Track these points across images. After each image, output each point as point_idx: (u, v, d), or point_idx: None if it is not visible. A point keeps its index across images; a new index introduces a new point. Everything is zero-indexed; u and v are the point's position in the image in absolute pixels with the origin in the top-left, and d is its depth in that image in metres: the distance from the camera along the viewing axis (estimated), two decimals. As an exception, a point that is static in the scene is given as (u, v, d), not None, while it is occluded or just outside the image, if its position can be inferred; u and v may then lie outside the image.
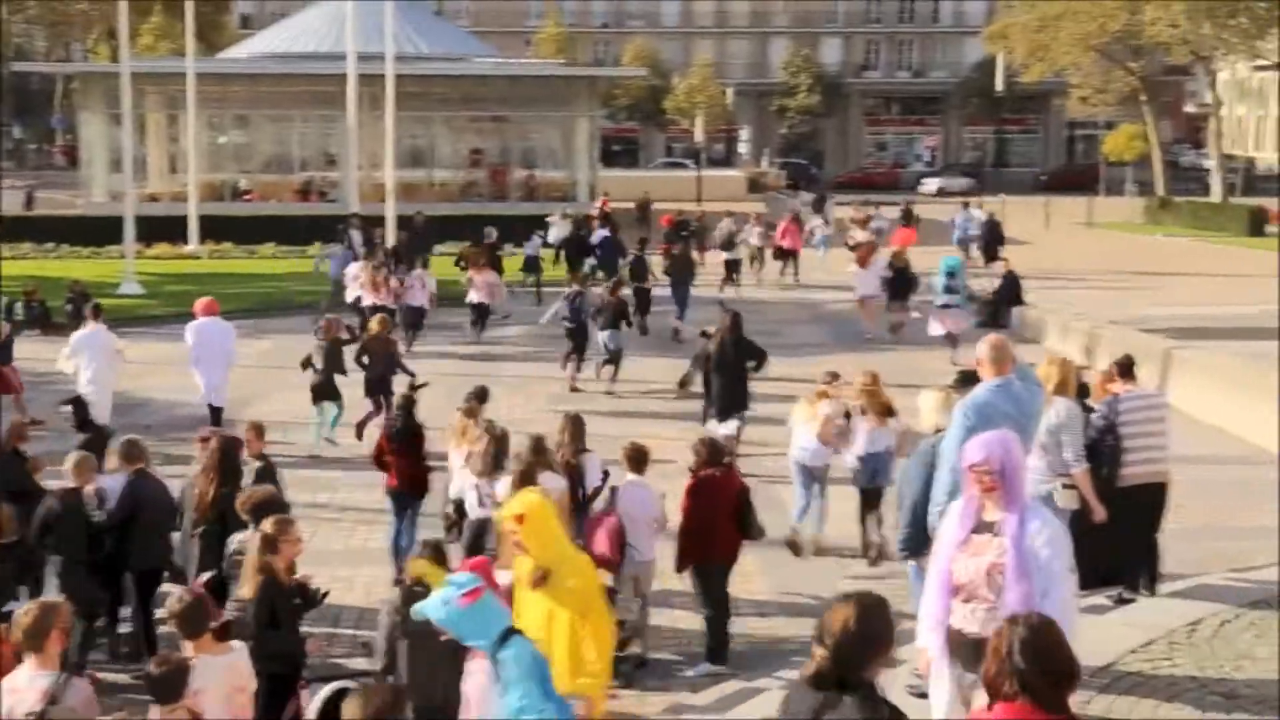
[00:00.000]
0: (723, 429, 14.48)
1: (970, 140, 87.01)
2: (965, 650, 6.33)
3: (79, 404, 11.52)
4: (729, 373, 15.32)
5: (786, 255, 33.30)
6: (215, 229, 38.37)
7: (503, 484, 9.91)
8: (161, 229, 37.52)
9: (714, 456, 10.01)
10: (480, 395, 12.08)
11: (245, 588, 7.85)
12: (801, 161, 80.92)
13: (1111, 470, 10.10)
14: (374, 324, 17.79)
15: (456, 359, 22.60)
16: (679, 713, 9.09)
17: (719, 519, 9.78)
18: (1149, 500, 10.30)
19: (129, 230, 31.34)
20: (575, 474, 10.34)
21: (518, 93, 46.11)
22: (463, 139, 49.44)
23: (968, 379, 9.27)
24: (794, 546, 12.12)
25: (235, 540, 8.80)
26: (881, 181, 72.62)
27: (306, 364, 16.85)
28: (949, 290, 22.48)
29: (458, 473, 11.14)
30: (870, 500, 12.25)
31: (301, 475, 14.19)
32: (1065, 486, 9.87)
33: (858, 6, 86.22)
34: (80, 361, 16.15)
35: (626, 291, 22.39)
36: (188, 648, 6.76)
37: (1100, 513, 9.77)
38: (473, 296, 24.62)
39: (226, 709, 6.69)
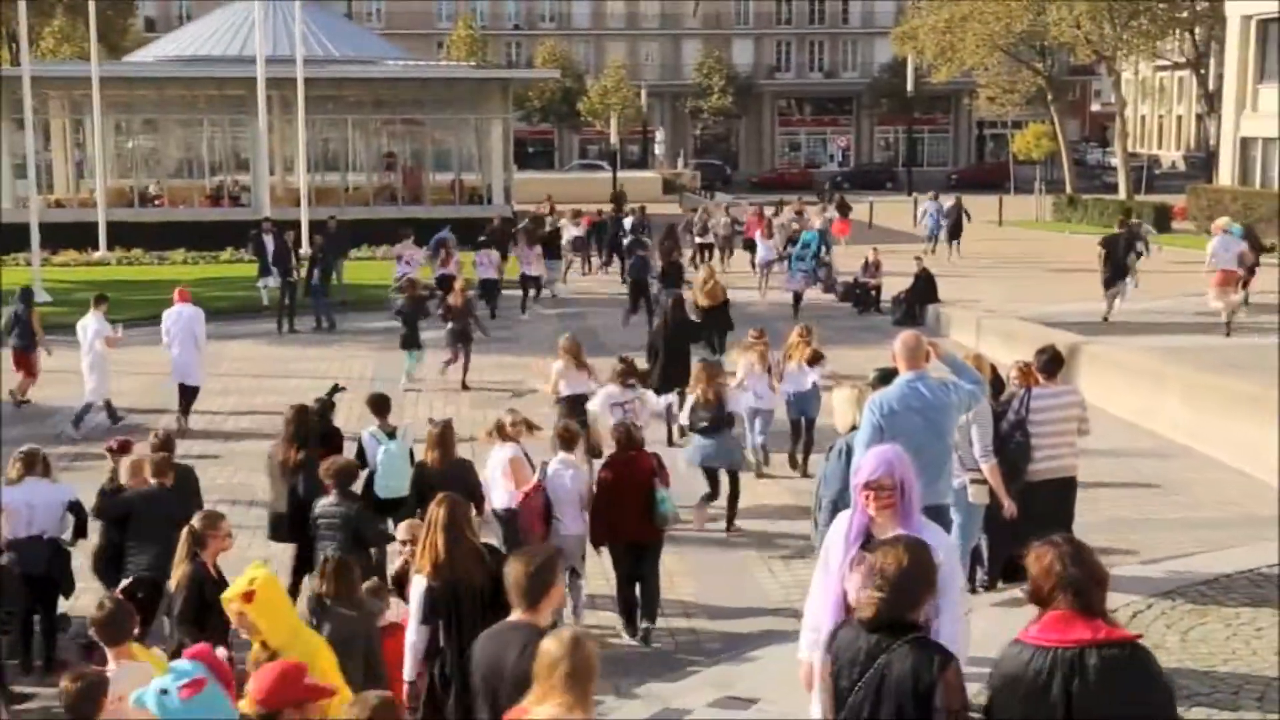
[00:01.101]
0: (662, 400, 15.09)
1: (882, 140, 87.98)
2: None
3: None
4: (671, 351, 16.79)
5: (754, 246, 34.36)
6: (124, 235, 37.65)
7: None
8: (69, 236, 36.87)
9: (629, 442, 10.42)
10: (376, 403, 12.09)
11: (172, 581, 8.08)
12: (716, 162, 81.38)
13: (1020, 465, 10.27)
14: (455, 286, 20.89)
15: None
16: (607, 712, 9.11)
17: (627, 501, 10.08)
18: (1060, 494, 10.49)
19: (35, 237, 30.74)
20: (720, 401, 13.05)
21: (430, 95, 45.77)
22: (375, 142, 48.96)
23: (886, 376, 9.39)
24: (749, 467, 14.45)
25: (319, 505, 9.38)
26: (795, 181, 73.16)
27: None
28: (800, 259, 27.63)
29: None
30: (798, 430, 15.08)
31: (236, 482, 14.35)
32: (974, 482, 10.03)
33: (768, 8, 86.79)
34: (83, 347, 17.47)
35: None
36: (109, 654, 6.67)
37: (1010, 507, 9.93)
38: (525, 270, 27.17)
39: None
